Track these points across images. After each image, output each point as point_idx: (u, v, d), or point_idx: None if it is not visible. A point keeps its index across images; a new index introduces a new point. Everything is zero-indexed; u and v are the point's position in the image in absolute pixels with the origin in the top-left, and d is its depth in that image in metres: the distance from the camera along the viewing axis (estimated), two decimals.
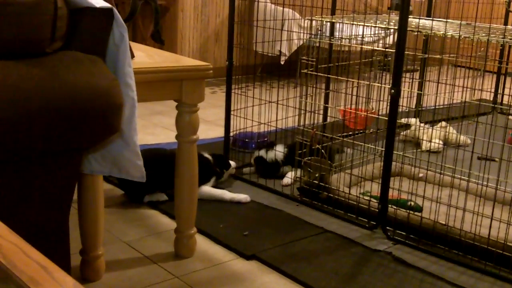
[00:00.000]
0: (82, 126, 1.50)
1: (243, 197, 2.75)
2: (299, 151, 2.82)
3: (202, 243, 2.34)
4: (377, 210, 2.49)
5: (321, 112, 3.48)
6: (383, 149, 2.48)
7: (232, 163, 3.02)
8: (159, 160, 2.70)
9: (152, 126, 3.95)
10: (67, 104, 1.46)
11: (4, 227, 0.80)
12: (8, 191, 1.50)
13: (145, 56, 2.10)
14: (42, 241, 1.57)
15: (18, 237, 0.78)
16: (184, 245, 2.23)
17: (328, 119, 3.63)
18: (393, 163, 2.52)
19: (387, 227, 2.47)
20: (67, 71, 1.48)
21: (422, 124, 3.80)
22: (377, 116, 2.89)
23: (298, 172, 2.98)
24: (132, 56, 1.87)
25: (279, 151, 3.07)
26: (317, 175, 2.73)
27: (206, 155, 2.85)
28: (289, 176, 3.00)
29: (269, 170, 3.06)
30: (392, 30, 3.85)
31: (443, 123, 3.74)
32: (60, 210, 1.63)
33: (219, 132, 3.50)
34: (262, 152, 3.08)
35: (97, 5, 1.56)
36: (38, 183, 1.55)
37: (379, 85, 3.15)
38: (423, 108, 4.02)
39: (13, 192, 1.51)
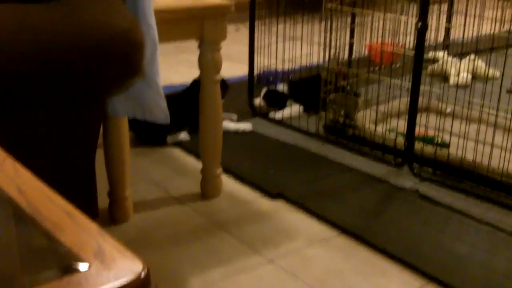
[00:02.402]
0: (104, 67, 1.49)
1: (246, 125, 2.83)
2: (324, 88, 2.79)
3: (228, 182, 2.36)
4: (403, 147, 2.47)
5: (347, 47, 3.41)
6: (410, 84, 2.44)
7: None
8: (176, 98, 2.70)
9: (176, 63, 3.92)
10: (89, 45, 1.44)
11: (28, 174, 0.80)
12: (33, 135, 1.50)
13: None
14: (69, 184, 1.59)
15: (42, 183, 0.79)
16: (210, 184, 2.24)
17: (354, 55, 3.56)
18: (420, 98, 2.48)
19: (414, 164, 2.46)
20: (86, 12, 1.46)
21: (450, 58, 3.71)
22: (403, 50, 2.82)
23: (295, 108, 3.04)
24: None
25: (280, 88, 3.13)
26: (342, 112, 2.70)
27: None
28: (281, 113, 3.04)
29: (279, 100, 3.10)
30: None
31: (472, 56, 3.65)
32: (86, 152, 1.64)
33: (243, 70, 3.46)
34: (271, 87, 3.16)
35: None
36: (63, 126, 1.55)
37: (406, 17, 3.07)
38: (450, 42, 3.92)
39: (38, 135, 1.52)
